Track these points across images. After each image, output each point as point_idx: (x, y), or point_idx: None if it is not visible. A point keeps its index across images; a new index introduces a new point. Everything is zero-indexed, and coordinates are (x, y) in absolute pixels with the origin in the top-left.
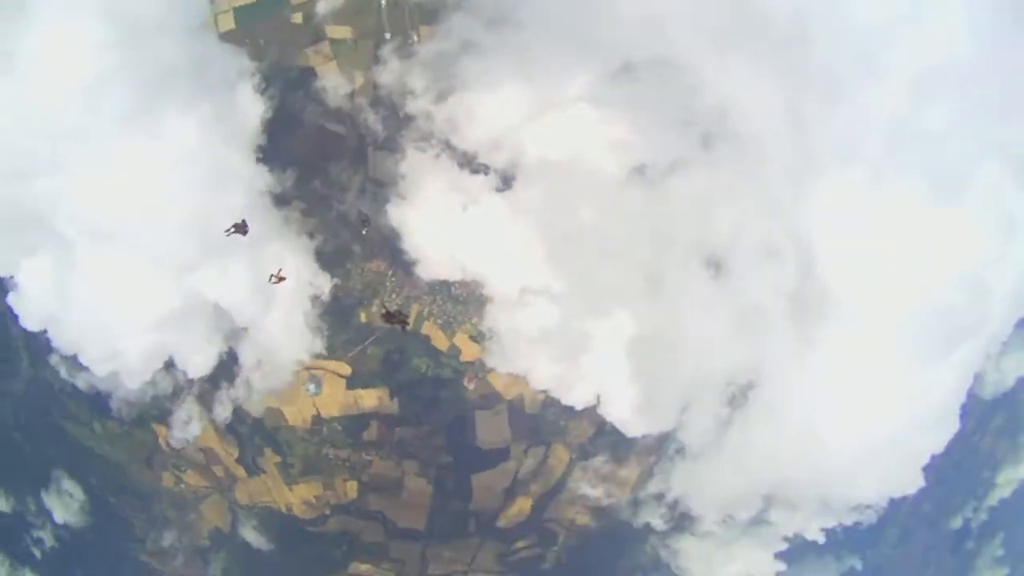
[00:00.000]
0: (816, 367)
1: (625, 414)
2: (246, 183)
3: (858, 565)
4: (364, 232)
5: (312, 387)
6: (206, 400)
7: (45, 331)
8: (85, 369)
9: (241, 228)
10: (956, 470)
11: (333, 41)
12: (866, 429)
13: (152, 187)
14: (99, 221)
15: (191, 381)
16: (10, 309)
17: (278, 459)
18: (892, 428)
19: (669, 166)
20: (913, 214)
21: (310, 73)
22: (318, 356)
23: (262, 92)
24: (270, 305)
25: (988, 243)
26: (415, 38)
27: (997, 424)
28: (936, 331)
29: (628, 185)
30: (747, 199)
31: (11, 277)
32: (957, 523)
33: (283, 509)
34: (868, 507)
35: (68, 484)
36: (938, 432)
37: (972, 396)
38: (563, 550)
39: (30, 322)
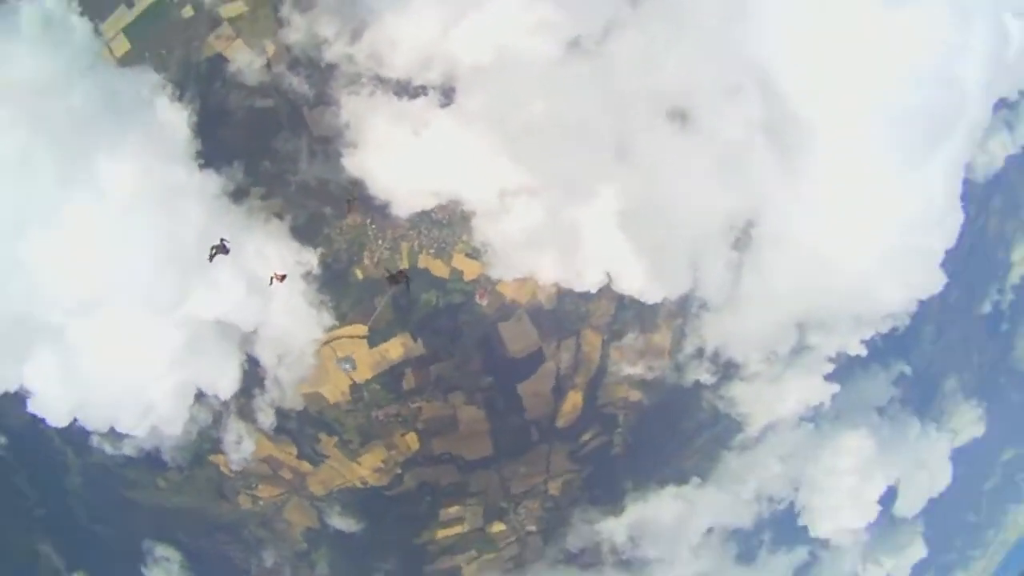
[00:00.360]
0: (809, 192)
1: (638, 285)
2: (198, 194)
3: (907, 370)
4: (350, 207)
5: (347, 366)
6: (247, 414)
7: (75, 420)
8: (126, 436)
9: (222, 248)
10: (970, 257)
11: (231, 20)
12: (873, 241)
13: (112, 238)
14: (77, 295)
15: (226, 403)
16: (35, 416)
17: (334, 439)
18: (899, 234)
19: (603, 32)
20: (865, 20)
21: (220, 60)
22: (331, 328)
23: (180, 99)
24: (269, 300)
25: (946, 35)
26: None
27: (997, 205)
28: (916, 130)
29: (568, 62)
30: (690, 43)
31: (20, 387)
32: (986, 308)
33: (359, 484)
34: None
35: (161, 550)
36: (945, 227)
37: (967, 183)
38: (626, 430)
39: (57, 420)
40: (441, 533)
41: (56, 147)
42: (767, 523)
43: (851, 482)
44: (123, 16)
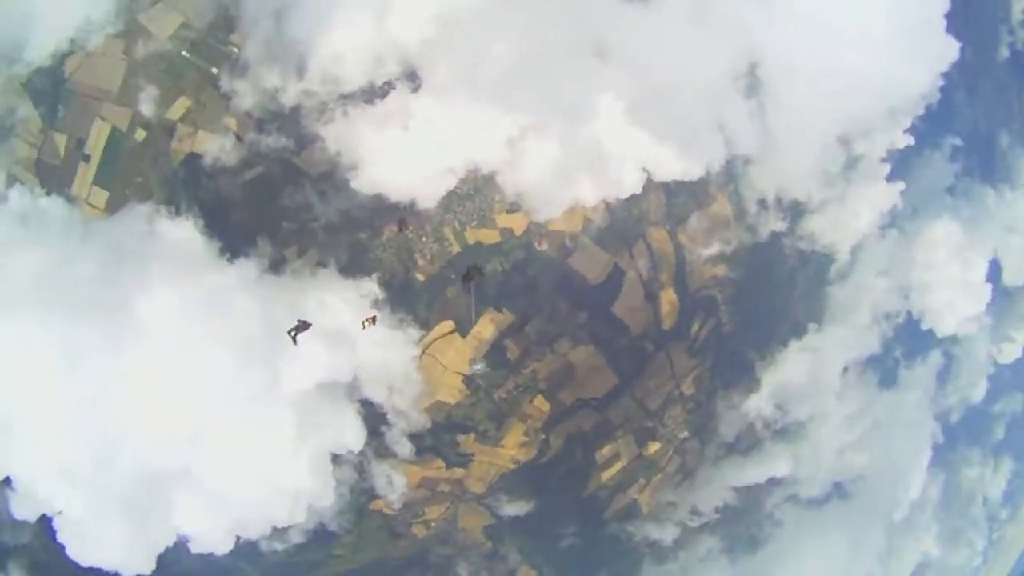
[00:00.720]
0: (792, 11)
1: (677, 168)
2: (241, 285)
3: (957, 141)
4: (402, 226)
5: (477, 366)
6: (384, 452)
7: (237, 538)
8: (288, 527)
9: (302, 327)
10: (968, 10)
11: (182, 119)
12: (873, 33)
13: (184, 365)
14: (180, 433)
15: (362, 453)
16: (201, 554)
17: (472, 435)
18: (895, 15)
19: None
20: None
21: (194, 159)
22: (420, 338)
23: (178, 213)
24: (354, 345)
25: None
26: (235, 51)
27: None
28: None
29: None
30: None
31: (181, 539)
32: (1004, 54)
33: (512, 465)
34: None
35: None
36: None
37: None
38: (728, 306)
39: (222, 547)
40: (605, 476)
41: (94, 316)
42: (894, 341)
43: (954, 271)
44: (86, 171)
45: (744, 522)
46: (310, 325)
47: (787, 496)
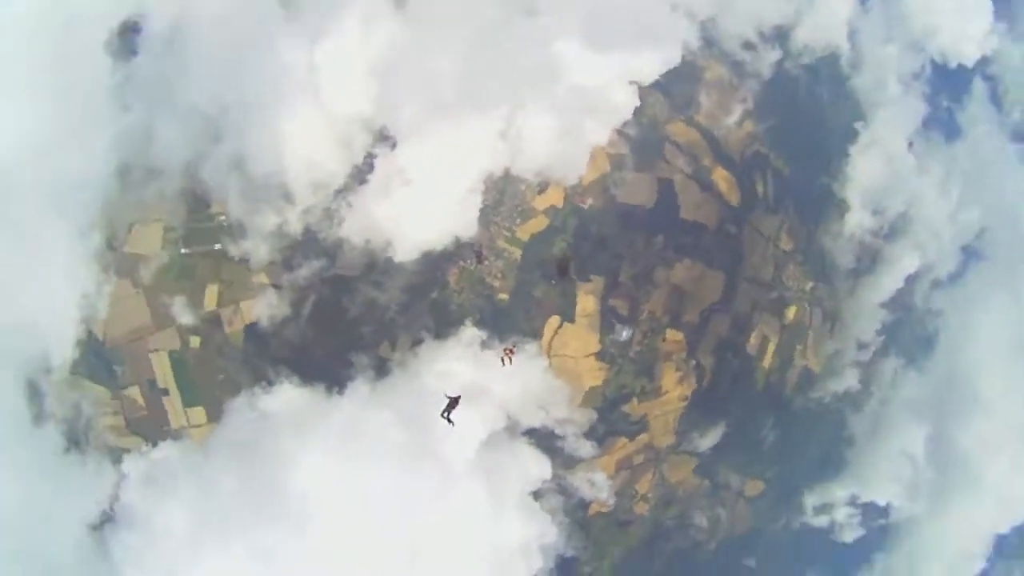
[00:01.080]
0: None
1: (656, 63)
2: (363, 406)
3: None
4: (480, 258)
5: (625, 333)
6: (571, 461)
7: None
8: None
9: (453, 403)
10: None
11: (219, 303)
12: None
13: (362, 507)
14: (403, 558)
15: (554, 475)
16: None
17: (634, 400)
18: None
19: None
20: None
21: (253, 329)
22: (539, 349)
23: (271, 384)
24: (489, 391)
25: None
26: (223, 219)
27: None
28: None
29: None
30: None
31: None
32: None
33: (684, 404)
34: None
35: None
36: None
37: None
38: (776, 151)
39: None
40: (766, 363)
41: (259, 520)
42: (934, 94)
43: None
44: (172, 403)
45: (909, 329)
46: (459, 398)
47: (931, 284)
